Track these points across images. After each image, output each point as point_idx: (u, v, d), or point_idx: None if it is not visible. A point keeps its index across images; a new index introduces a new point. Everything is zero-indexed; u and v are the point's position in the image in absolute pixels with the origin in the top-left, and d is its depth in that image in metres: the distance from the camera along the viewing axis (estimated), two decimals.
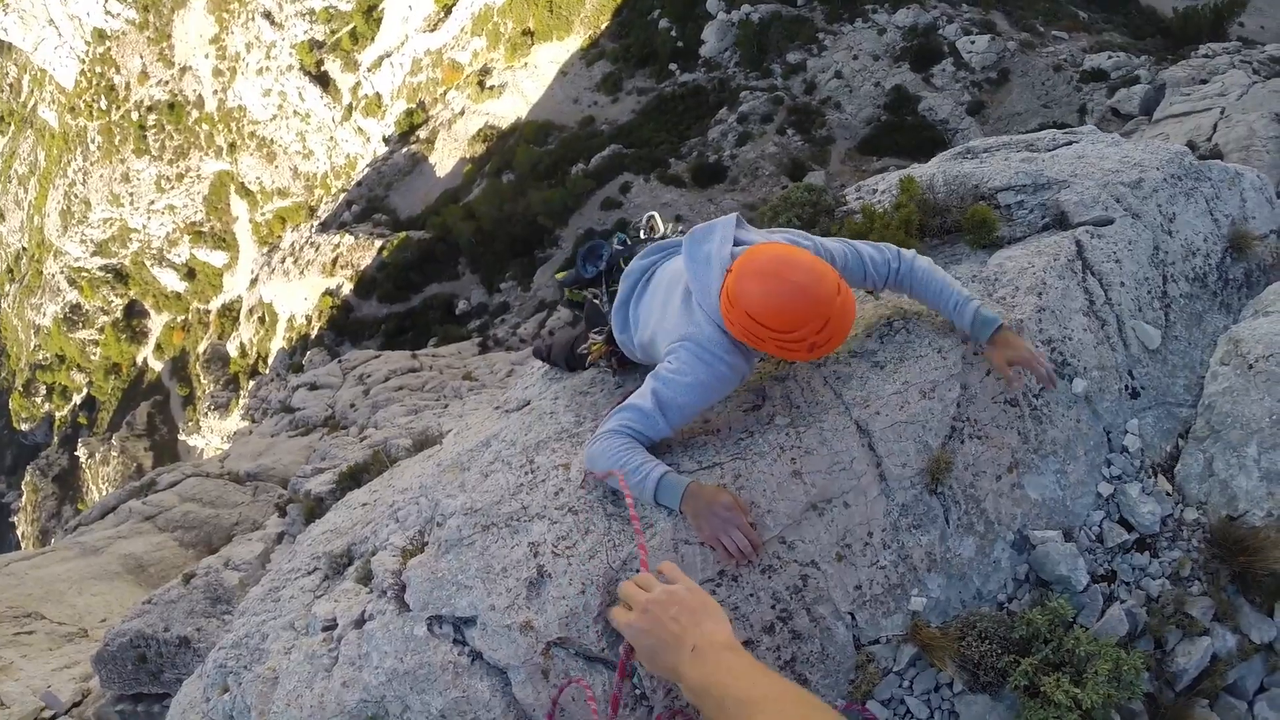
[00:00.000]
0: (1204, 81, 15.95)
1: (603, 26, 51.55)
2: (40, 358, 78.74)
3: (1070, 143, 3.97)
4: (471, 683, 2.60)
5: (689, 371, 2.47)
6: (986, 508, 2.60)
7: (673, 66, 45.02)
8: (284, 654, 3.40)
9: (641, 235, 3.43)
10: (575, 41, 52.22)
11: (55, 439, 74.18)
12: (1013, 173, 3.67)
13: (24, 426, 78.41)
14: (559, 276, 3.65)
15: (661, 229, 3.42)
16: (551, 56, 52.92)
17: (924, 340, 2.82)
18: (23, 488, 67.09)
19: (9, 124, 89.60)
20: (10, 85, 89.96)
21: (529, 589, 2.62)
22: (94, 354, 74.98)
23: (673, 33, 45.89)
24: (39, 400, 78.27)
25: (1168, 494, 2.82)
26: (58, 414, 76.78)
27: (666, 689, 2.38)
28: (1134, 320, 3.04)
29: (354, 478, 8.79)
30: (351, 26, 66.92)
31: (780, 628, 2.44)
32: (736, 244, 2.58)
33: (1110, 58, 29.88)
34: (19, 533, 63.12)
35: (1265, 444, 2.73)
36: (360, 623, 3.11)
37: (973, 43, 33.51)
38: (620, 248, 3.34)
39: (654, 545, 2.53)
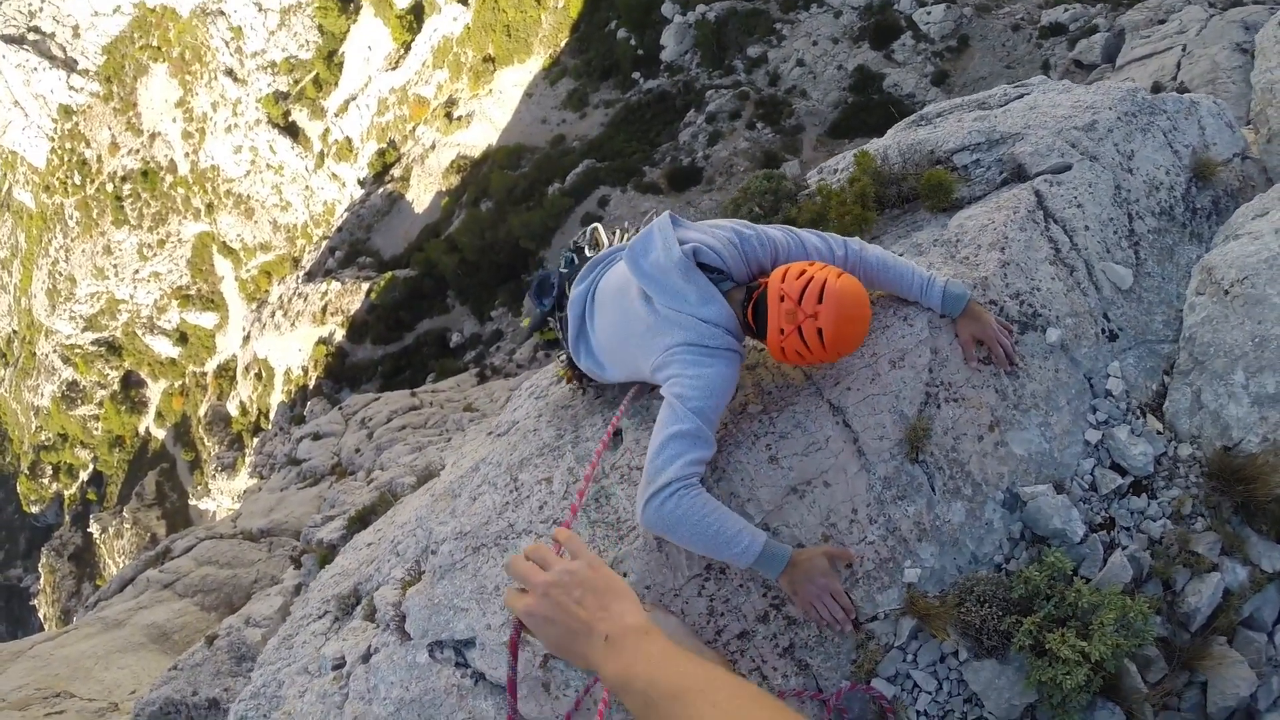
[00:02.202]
0: (1162, 22, 15.94)
1: (562, 44, 51.76)
2: (43, 438, 78.81)
3: (1022, 95, 3.94)
4: (476, 703, 2.59)
5: (702, 374, 2.39)
6: (971, 470, 2.55)
7: (636, 75, 45.17)
8: (298, 697, 3.39)
9: (586, 252, 3.29)
10: (536, 62, 52.44)
11: (66, 518, 74.19)
12: (966, 132, 3.64)
13: (34, 509, 78.44)
14: (524, 324, 3.65)
15: (605, 242, 3.30)
16: (515, 80, 53.15)
17: (888, 310, 2.77)
18: (40, 570, 67.08)
19: None
20: None
21: None
22: (96, 429, 75.04)
23: (631, 41, 46.05)
24: (46, 481, 78.33)
25: (1159, 432, 2.76)
26: (66, 493, 76.80)
27: None
28: (1103, 262, 3.00)
29: (362, 520, 8.76)
30: (314, 74, 67.19)
31: (774, 615, 2.39)
32: (682, 242, 2.55)
33: (1066, 10, 30.02)
34: (41, 615, 63.02)
35: (1251, 368, 2.67)
36: (367, 657, 3.11)
37: (929, 13, 33.64)
38: (566, 270, 3.25)
39: (636, 547, 2.50)
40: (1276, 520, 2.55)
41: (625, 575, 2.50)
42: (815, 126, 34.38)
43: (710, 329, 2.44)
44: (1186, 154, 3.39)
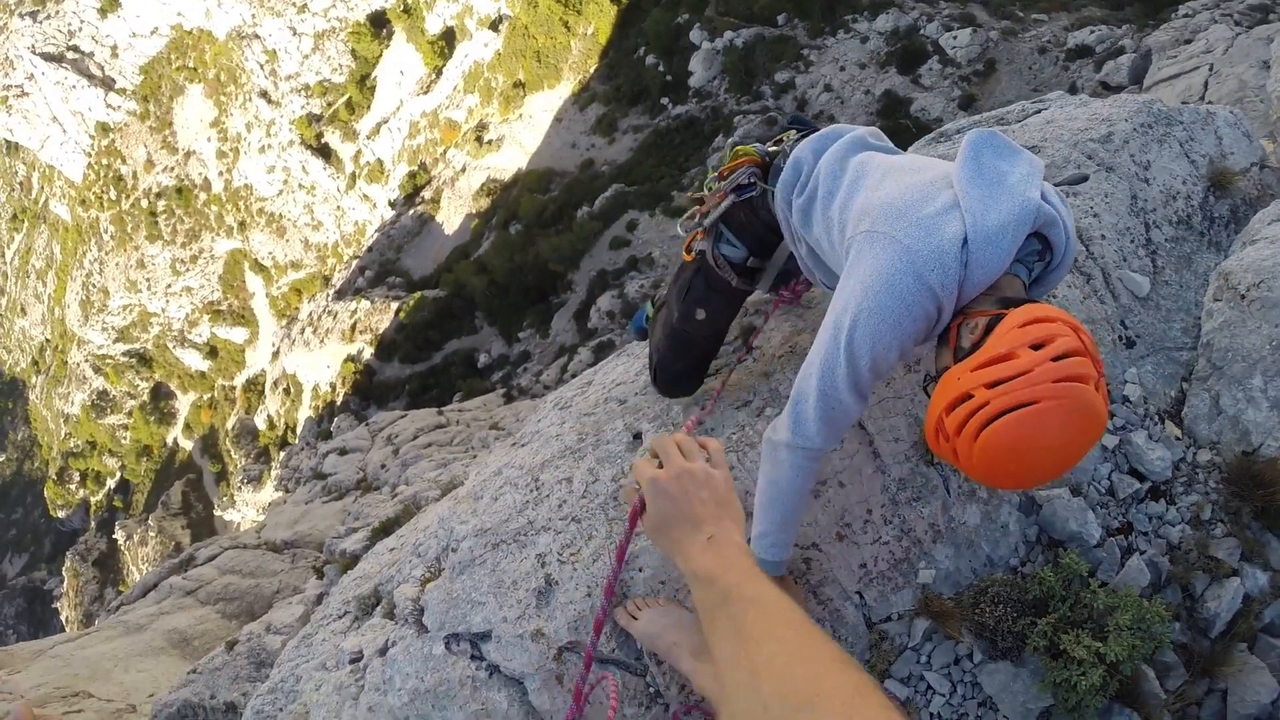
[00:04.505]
0: (1188, 41, 15.76)
1: (591, 70, 52.24)
2: (71, 445, 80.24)
3: (1040, 111, 3.96)
4: (490, 695, 2.61)
5: (886, 301, 1.75)
6: None
7: (664, 101, 45.45)
8: (315, 690, 3.44)
9: None
10: (566, 88, 52.97)
11: (92, 524, 75.26)
12: None
13: (60, 514, 79.75)
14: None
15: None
16: (545, 105, 53.69)
17: None
18: (64, 574, 67.81)
19: (23, 221, 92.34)
20: (20, 184, 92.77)
21: (538, 598, 2.64)
22: (124, 438, 76.25)
23: (660, 67, 46.35)
24: (73, 487, 79.64)
25: (1177, 438, 2.75)
26: (93, 499, 78.03)
27: (681, 685, 2.35)
28: (1120, 270, 3.00)
29: (385, 530, 8.80)
30: (347, 97, 68.31)
31: None
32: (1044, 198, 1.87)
33: (1093, 32, 29.81)
34: (63, 618, 63.48)
35: (1269, 373, 2.66)
36: (384, 650, 3.14)
37: (955, 38, 33.59)
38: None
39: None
40: None
41: (640, 570, 2.54)
42: None
43: (948, 264, 1.72)
44: (1203, 163, 3.40)
